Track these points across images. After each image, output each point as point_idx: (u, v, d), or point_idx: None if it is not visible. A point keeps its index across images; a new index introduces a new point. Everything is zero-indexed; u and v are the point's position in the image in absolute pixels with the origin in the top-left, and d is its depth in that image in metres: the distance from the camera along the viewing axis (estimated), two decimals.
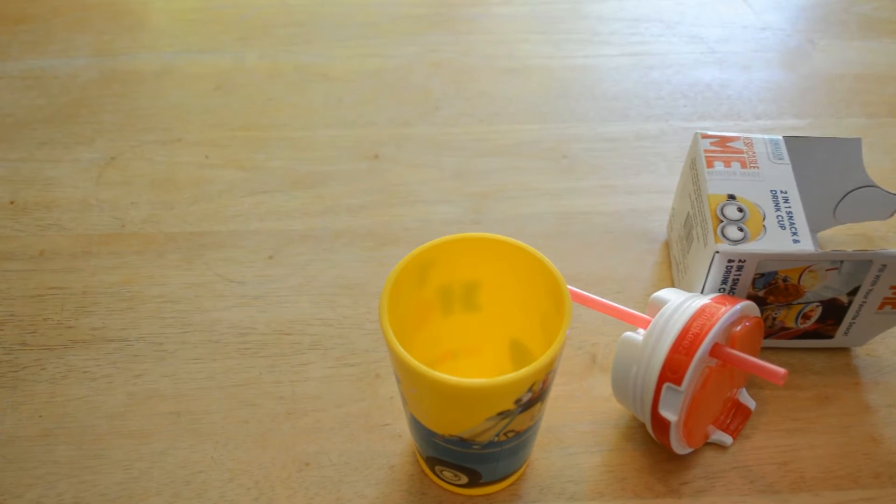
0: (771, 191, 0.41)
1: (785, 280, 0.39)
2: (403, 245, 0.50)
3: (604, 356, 0.43)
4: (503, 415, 0.31)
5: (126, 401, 0.42)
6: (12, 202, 0.53)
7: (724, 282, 0.40)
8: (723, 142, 0.44)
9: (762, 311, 0.41)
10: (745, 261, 0.38)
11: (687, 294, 0.38)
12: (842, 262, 0.38)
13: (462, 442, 0.33)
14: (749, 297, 0.40)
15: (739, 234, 0.39)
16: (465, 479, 0.36)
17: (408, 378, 0.31)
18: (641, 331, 0.37)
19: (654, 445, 0.40)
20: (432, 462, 0.36)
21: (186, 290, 0.47)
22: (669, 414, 0.35)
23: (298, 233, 0.50)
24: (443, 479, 0.37)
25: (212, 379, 0.42)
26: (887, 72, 0.63)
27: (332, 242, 0.50)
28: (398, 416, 0.41)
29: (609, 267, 0.48)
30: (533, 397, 0.32)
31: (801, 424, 0.40)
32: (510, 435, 0.33)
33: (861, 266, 0.38)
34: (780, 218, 0.40)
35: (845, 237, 0.50)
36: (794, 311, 0.41)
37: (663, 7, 0.71)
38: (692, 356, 0.34)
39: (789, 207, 0.40)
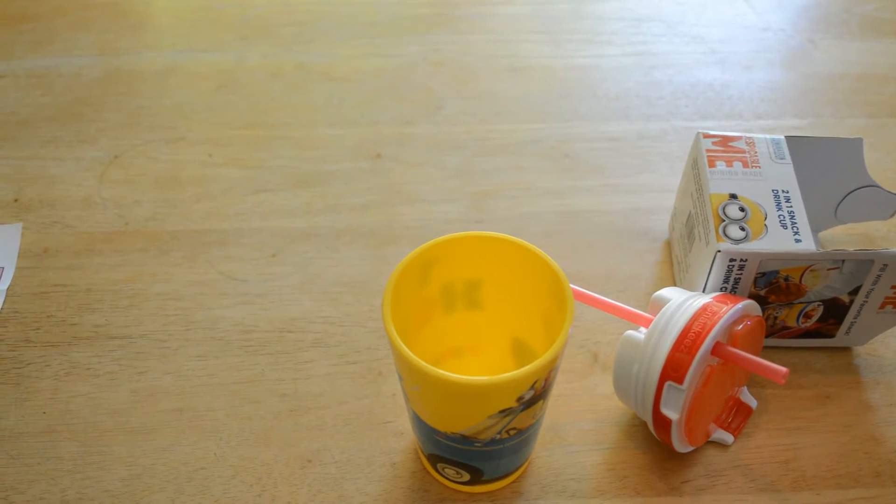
0: (773, 190, 0.41)
1: (786, 279, 0.39)
2: (406, 243, 0.50)
3: (605, 354, 0.44)
4: (505, 412, 0.32)
5: (129, 398, 0.42)
6: (16, 200, 0.53)
7: (726, 281, 0.40)
8: (724, 141, 0.44)
9: (763, 311, 0.41)
10: (746, 260, 0.39)
11: (688, 293, 0.38)
12: (843, 261, 0.38)
13: (464, 439, 0.33)
14: (750, 297, 0.40)
15: (741, 234, 0.39)
16: (467, 477, 0.36)
17: (410, 376, 0.32)
18: (643, 329, 0.37)
19: (655, 444, 0.40)
20: (434, 459, 0.36)
21: (189, 288, 0.47)
22: (671, 412, 0.35)
23: (301, 231, 0.51)
24: (445, 477, 0.37)
25: (215, 376, 0.43)
26: (888, 72, 0.63)
27: (335, 241, 0.50)
28: (400, 413, 0.41)
29: (611, 266, 0.48)
30: (535, 395, 0.32)
31: (802, 423, 0.41)
32: (512, 433, 0.33)
33: (862, 266, 0.39)
34: (781, 217, 0.40)
35: (847, 237, 0.50)
36: (796, 310, 0.41)
37: (665, 7, 0.71)
38: (694, 355, 0.34)
39: (791, 207, 0.40)
